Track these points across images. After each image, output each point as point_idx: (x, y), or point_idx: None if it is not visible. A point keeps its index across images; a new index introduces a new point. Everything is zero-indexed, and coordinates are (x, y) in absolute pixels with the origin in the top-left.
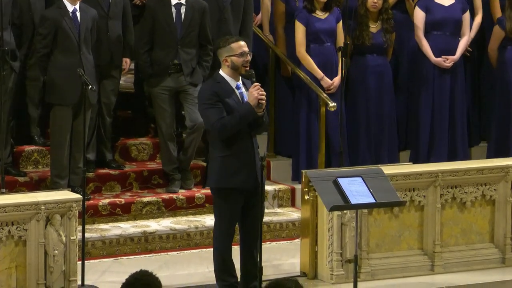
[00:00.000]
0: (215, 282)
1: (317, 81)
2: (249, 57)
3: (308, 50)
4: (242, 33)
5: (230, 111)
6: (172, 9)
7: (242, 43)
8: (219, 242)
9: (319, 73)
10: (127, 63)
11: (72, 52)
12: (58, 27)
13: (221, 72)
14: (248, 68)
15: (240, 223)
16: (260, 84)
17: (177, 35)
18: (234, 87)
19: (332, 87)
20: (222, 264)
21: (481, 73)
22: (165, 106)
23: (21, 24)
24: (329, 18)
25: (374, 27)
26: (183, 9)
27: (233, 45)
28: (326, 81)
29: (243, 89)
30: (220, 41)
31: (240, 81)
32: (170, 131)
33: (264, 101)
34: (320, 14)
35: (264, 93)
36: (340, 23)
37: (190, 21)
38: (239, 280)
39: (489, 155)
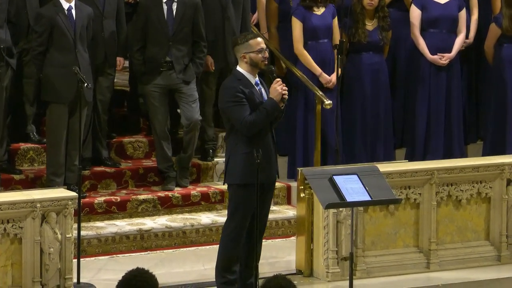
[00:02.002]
0: (213, 278)
1: (313, 79)
2: (267, 54)
3: (306, 47)
4: (242, 29)
5: (253, 107)
6: (164, 6)
7: (260, 39)
8: (229, 240)
9: (317, 69)
10: (120, 62)
11: (67, 49)
12: (54, 24)
13: (239, 69)
14: (267, 64)
15: (251, 220)
16: (281, 80)
17: (169, 32)
18: (253, 83)
19: (330, 83)
20: (227, 263)
21: (478, 71)
22: (157, 104)
23: (17, 22)
24: (325, 14)
25: (370, 25)
26: (174, 6)
27: (251, 41)
28: (325, 77)
29: (261, 86)
30: (237, 37)
31: (257, 78)
32: (163, 129)
33: (286, 96)
34: (317, 10)
35: (286, 88)
36: (336, 19)
37: (181, 17)
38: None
39: (485, 153)
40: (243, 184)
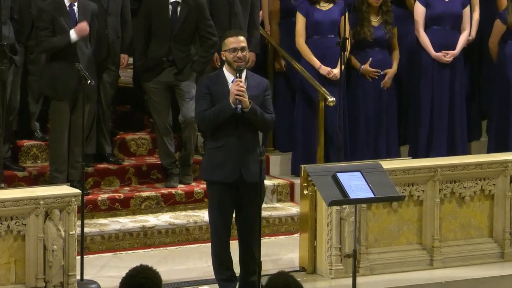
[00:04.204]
0: (214, 276)
1: (316, 75)
2: (240, 53)
3: (309, 42)
4: (250, 25)
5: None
6: (169, 7)
7: (240, 38)
8: (212, 234)
9: (316, 62)
10: (124, 59)
11: (68, 46)
12: (54, 20)
13: (225, 65)
14: (241, 64)
15: (237, 218)
16: (241, 80)
17: (172, 31)
18: (230, 81)
19: (331, 74)
20: (217, 257)
21: (480, 68)
22: (159, 100)
23: (21, 19)
24: (333, 10)
25: (375, 21)
26: (179, 7)
27: (227, 40)
28: (324, 68)
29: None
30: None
31: (243, 76)
32: (164, 125)
33: (241, 97)
34: (323, 6)
35: (242, 88)
36: (344, 16)
37: (185, 19)
38: (237, 274)
39: (490, 150)
40: (207, 180)
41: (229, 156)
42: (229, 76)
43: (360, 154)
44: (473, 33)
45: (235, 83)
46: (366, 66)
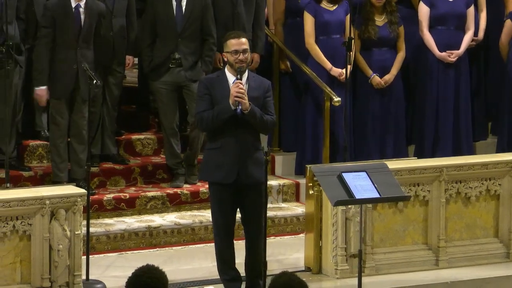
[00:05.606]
0: (219, 277)
1: (322, 76)
2: (242, 56)
3: (316, 42)
4: (255, 26)
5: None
6: (173, 2)
7: (242, 40)
8: (215, 234)
9: (327, 63)
10: (130, 60)
11: (69, 46)
12: (57, 20)
13: (226, 66)
14: (242, 65)
15: (242, 218)
16: (241, 82)
17: (177, 28)
18: (231, 82)
19: (343, 76)
20: (220, 257)
21: (486, 69)
22: (166, 100)
23: (27, 18)
24: (338, 10)
25: (380, 21)
26: (183, 2)
27: (228, 42)
28: (336, 70)
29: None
30: (224, 35)
31: (244, 78)
32: (171, 126)
33: (239, 99)
34: (329, 6)
35: (242, 90)
36: (348, 16)
37: (190, 14)
38: (241, 274)
39: (499, 150)
40: (207, 181)
41: (227, 157)
42: (230, 77)
43: (366, 154)
44: (481, 33)
45: (235, 85)
46: (377, 78)
